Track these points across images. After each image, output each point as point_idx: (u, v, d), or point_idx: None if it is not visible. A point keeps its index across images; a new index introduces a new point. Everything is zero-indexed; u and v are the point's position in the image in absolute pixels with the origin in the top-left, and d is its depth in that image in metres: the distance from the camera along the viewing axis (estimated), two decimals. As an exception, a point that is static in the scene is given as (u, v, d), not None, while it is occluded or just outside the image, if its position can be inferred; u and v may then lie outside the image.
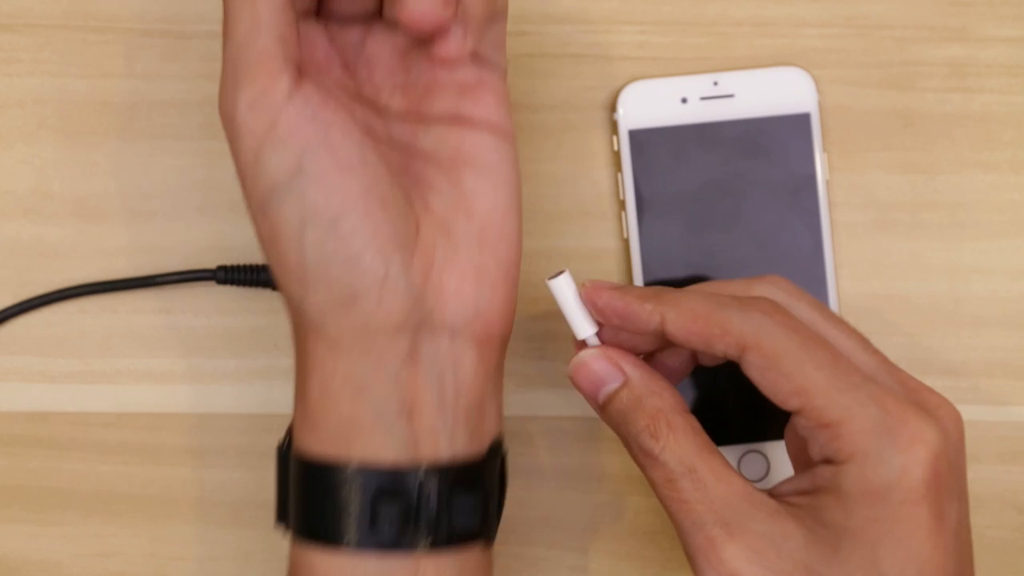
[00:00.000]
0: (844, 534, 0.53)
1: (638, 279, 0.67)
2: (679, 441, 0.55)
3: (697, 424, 0.56)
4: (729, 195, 0.68)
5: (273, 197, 0.54)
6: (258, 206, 0.55)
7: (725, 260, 0.67)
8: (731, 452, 0.67)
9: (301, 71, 0.55)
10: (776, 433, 0.67)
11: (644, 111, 0.68)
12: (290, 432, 0.59)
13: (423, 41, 0.57)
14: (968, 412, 0.68)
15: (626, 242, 0.68)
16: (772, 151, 0.67)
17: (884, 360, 0.57)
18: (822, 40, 0.69)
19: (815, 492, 0.54)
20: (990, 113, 0.69)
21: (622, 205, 0.68)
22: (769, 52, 0.69)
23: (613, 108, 0.68)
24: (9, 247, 0.69)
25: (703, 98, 0.68)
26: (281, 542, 0.68)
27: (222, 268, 0.68)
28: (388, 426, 0.55)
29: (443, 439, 0.56)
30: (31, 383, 0.69)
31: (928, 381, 0.68)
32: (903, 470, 0.52)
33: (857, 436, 0.53)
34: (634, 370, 0.57)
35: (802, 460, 0.58)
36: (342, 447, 0.55)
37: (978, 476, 0.68)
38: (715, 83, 0.68)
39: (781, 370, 0.54)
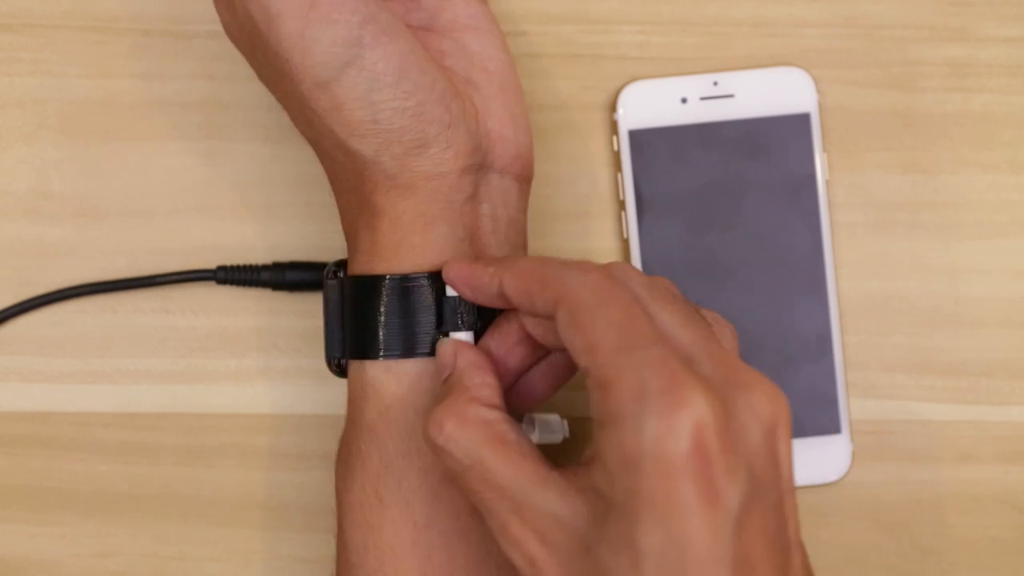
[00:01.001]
0: (610, 506, 0.50)
1: (638, 279, 0.67)
2: (467, 432, 0.54)
3: (501, 416, 0.55)
4: (729, 195, 0.68)
5: (331, 70, 0.57)
6: (313, 81, 0.57)
7: (725, 260, 0.67)
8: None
9: None
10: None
11: (644, 111, 0.68)
12: (336, 270, 0.62)
13: None
14: (968, 412, 0.68)
15: (626, 242, 0.68)
16: (772, 151, 0.67)
17: (707, 338, 0.53)
18: (822, 40, 0.69)
19: (591, 462, 0.52)
20: (990, 113, 0.69)
21: (622, 205, 0.68)
22: (769, 52, 0.69)
23: (613, 108, 0.68)
24: (9, 247, 0.69)
25: (703, 98, 0.68)
26: (281, 542, 0.68)
27: (222, 268, 0.68)
28: (453, 248, 0.59)
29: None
30: (31, 383, 0.69)
31: (928, 381, 0.68)
32: (657, 438, 0.49)
33: (622, 398, 0.50)
34: (464, 360, 0.57)
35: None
36: (408, 266, 0.59)
37: (978, 476, 0.68)
38: (715, 83, 0.68)
39: (578, 324, 0.52)
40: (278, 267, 0.67)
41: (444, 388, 0.57)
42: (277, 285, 0.68)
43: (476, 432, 0.54)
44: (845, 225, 0.69)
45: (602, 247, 0.68)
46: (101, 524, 0.69)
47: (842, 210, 0.69)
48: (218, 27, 0.68)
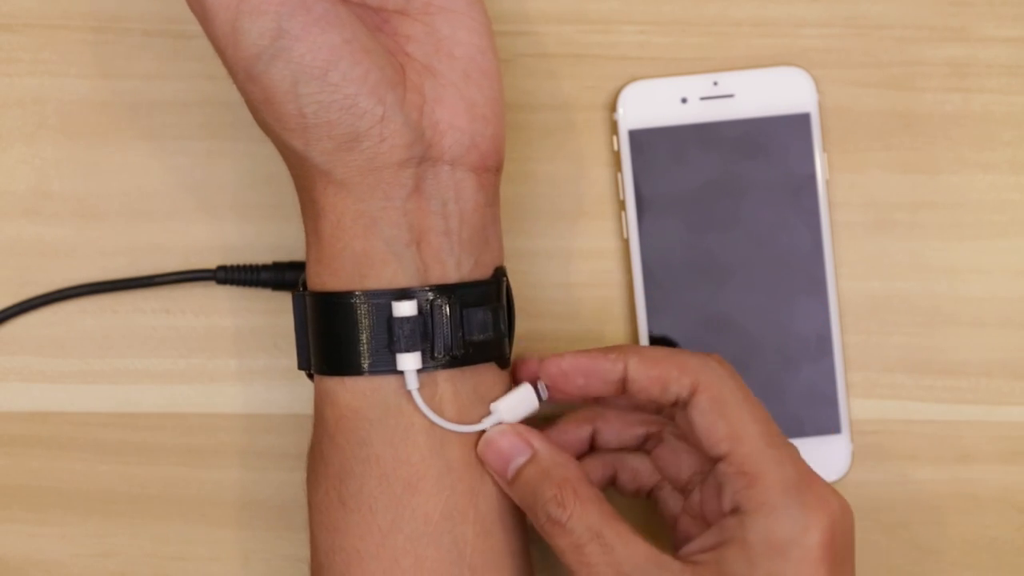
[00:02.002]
0: None
1: (638, 279, 0.67)
2: (586, 508, 0.58)
3: (601, 494, 0.59)
4: (729, 195, 0.67)
5: (259, 62, 0.56)
6: (245, 74, 0.57)
7: (725, 260, 0.67)
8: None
9: None
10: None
11: (644, 111, 0.68)
12: (303, 281, 0.62)
13: None
14: (968, 412, 0.68)
15: (626, 242, 0.68)
16: (772, 151, 0.67)
17: None
18: (822, 40, 0.69)
19: (721, 546, 0.57)
20: (990, 113, 0.69)
21: (622, 205, 0.68)
22: (769, 52, 0.69)
23: (613, 108, 0.68)
24: (9, 247, 0.69)
25: (703, 98, 0.68)
26: (281, 542, 0.68)
27: (222, 268, 0.68)
28: (399, 255, 0.58)
29: (451, 263, 0.59)
30: (31, 383, 0.69)
31: (928, 381, 0.68)
32: (805, 528, 0.57)
33: (771, 489, 0.57)
34: (541, 444, 0.60)
35: (710, 517, 0.60)
36: (356, 280, 0.59)
37: (978, 476, 0.68)
38: (715, 83, 0.68)
39: (723, 413, 0.58)
40: (278, 267, 0.67)
41: (535, 469, 0.59)
42: (277, 285, 0.68)
43: (594, 508, 0.58)
44: (845, 225, 0.69)
45: (602, 247, 0.68)
46: (101, 524, 0.69)
47: (842, 210, 0.69)
48: (218, 27, 0.69)
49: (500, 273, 0.61)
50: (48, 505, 0.68)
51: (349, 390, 0.59)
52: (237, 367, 0.69)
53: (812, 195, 0.68)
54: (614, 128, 0.68)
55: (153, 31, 0.69)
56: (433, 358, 0.58)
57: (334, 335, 0.59)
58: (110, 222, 0.69)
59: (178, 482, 0.69)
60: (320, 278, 0.59)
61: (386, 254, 0.58)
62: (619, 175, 0.68)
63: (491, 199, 0.61)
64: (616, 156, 0.68)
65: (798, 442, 0.67)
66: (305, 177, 0.59)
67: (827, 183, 0.68)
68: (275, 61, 0.56)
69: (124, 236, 0.69)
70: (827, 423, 0.67)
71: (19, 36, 0.69)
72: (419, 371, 0.58)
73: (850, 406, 0.68)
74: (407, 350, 0.58)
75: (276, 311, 0.69)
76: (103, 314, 0.69)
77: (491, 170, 0.60)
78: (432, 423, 0.59)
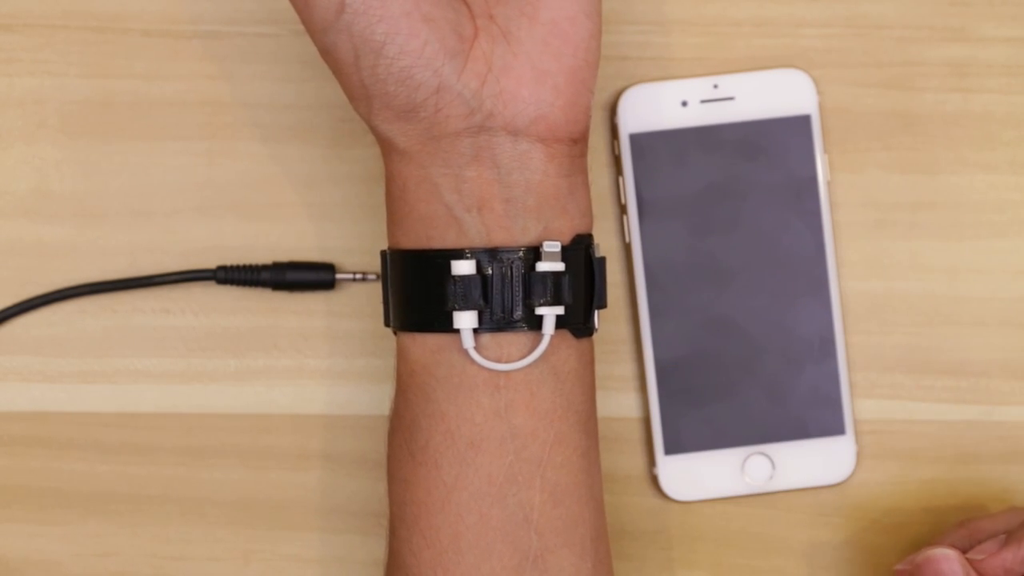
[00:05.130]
0: None
1: (641, 283, 0.67)
2: None
3: None
4: (731, 198, 0.67)
5: (327, 35, 0.57)
6: (319, 45, 0.58)
7: (728, 263, 0.67)
8: (735, 454, 0.67)
9: None
10: (780, 434, 0.67)
11: (644, 115, 0.68)
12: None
13: None
14: (968, 412, 0.68)
15: (628, 246, 0.68)
16: (773, 153, 0.67)
17: None
18: (822, 40, 0.69)
19: None
20: (990, 113, 0.69)
21: (623, 209, 0.68)
22: (769, 52, 0.69)
23: (613, 112, 0.68)
24: (9, 247, 0.69)
25: (703, 101, 0.68)
26: (281, 542, 0.68)
27: (222, 268, 0.68)
28: (460, 219, 0.59)
29: (516, 228, 0.59)
30: (31, 383, 0.69)
31: (928, 381, 0.68)
32: None
33: None
34: None
35: None
36: (423, 241, 0.59)
37: (978, 476, 0.69)
38: (715, 86, 0.68)
39: None
40: (278, 267, 0.68)
41: None
42: (277, 285, 0.68)
43: None
44: (845, 225, 0.69)
45: (603, 247, 0.68)
46: (101, 524, 0.69)
47: (842, 210, 0.69)
48: (218, 27, 0.69)
49: (580, 241, 0.60)
50: (48, 505, 0.68)
51: (419, 346, 0.59)
52: (237, 367, 0.69)
53: (813, 197, 0.68)
54: (615, 132, 0.68)
55: (153, 31, 0.69)
56: (492, 319, 0.59)
57: (402, 292, 0.60)
58: (110, 222, 0.69)
59: (178, 482, 0.69)
60: (395, 237, 0.60)
61: (448, 217, 0.59)
62: (620, 179, 0.68)
63: (567, 169, 0.60)
64: (617, 160, 0.68)
65: (803, 444, 0.67)
66: (378, 141, 0.60)
67: (828, 184, 0.68)
68: (340, 34, 0.57)
69: (124, 236, 0.69)
70: (831, 424, 0.68)
71: (19, 36, 0.69)
72: (479, 331, 0.58)
73: (854, 407, 0.68)
74: (463, 308, 0.58)
75: (276, 311, 0.69)
76: (103, 314, 0.69)
77: (563, 141, 0.59)
78: (497, 386, 0.59)
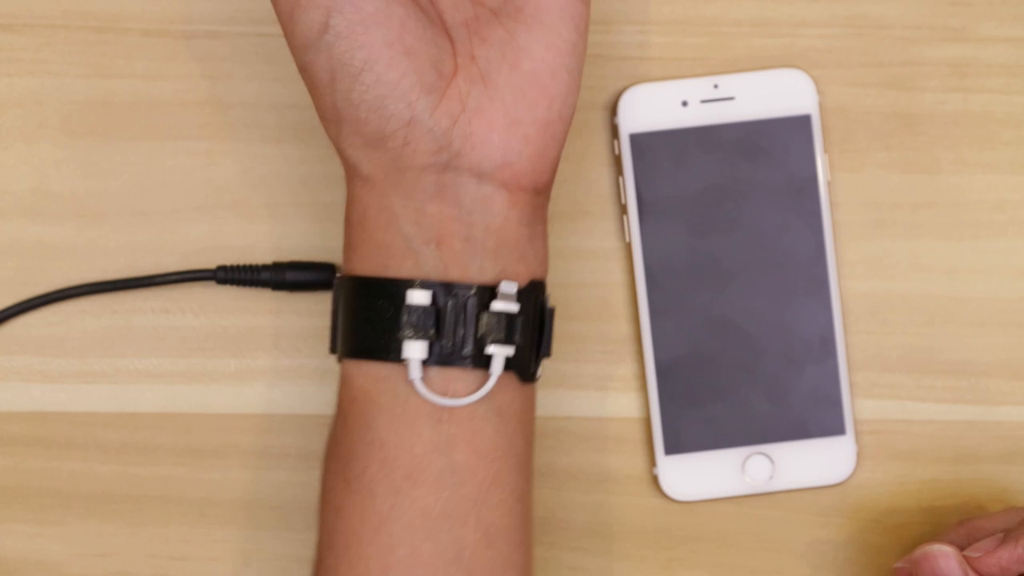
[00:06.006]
0: None
1: (641, 283, 0.67)
2: None
3: None
4: (731, 198, 0.68)
5: (307, 52, 0.58)
6: (298, 61, 0.59)
7: (728, 263, 0.67)
8: (735, 454, 0.67)
9: None
10: (781, 434, 0.67)
11: (644, 115, 0.68)
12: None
13: None
14: (968, 412, 0.68)
15: (628, 246, 0.68)
16: (773, 153, 0.67)
17: None
18: (822, 40, 0.69)
19: None
20: (990, 113, 0.69)
21: (624, 209, 0.68)
22: (769, 52, 0.69)
23: (613, 112, 0.68)
24: (9, 247, 0.69)
25: (703, 101, 0.68)
26: (281, 542, 0.68)
27: (222, 268, 0.68)
28: (418, 251, 0.59)
29: (473, 268, 0.59)
30: (31, 383, 0.69)
31: (928, 381, 0.68)
32: None
33: None
34: None
35: None
36: (379, 269, 0.59)
37: (978, 476, 0.69)
38: (715, 86, 0.68)
39: None
40: (278, 267, 0.68)
41: None
42: (277, 285, 0.68)
43: None
44: (845, 225, 0.69)
45: (602, 247, 0.68)
46: (101, 524, 0.69)
47: (842, 210, 0.69)
48: (218, 27, 0.69)
49: (535, 287, 0.60)
50: (48, 505, 0.68)
51: (364, 373, 0.59)
52: (237, 367, 0.69)
53: (814, 197, 0.68)
54: (615, 132, 0.68)
55: (153, 31, 0.69)
56: (441, 352, 0.58)
57: (353, 318, 0.60)
58: (110, 222, 0.69)
59: (178, 482, 0.69)
60: (350, 263, 0.60)
61: (406, 248, 0.59)
62: (620, 179, 0.68)
63: (529, 218, 0.60)
64: (617, 160, 0.68)
65: (803, 444, 0.67)
66: (344, 166, 0.60)
67: (828, 184, 0.68)
68: (319, 54, 0.57)
69: (124, 236, 0.69)
70: (832, 425, 0.68)
71: (19, 36, 0.69)
72: (427, 363, 0.58)
73: (854, 407, 0.68)
74: (414, 338, 0.58)
75: (276, 311, 0.69)
76: (103, 314, 0.69)
77: (527, 190, 0.60)
78: (440, 420, 0.58)
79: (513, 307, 0.59)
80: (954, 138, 0.69)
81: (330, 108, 0.58)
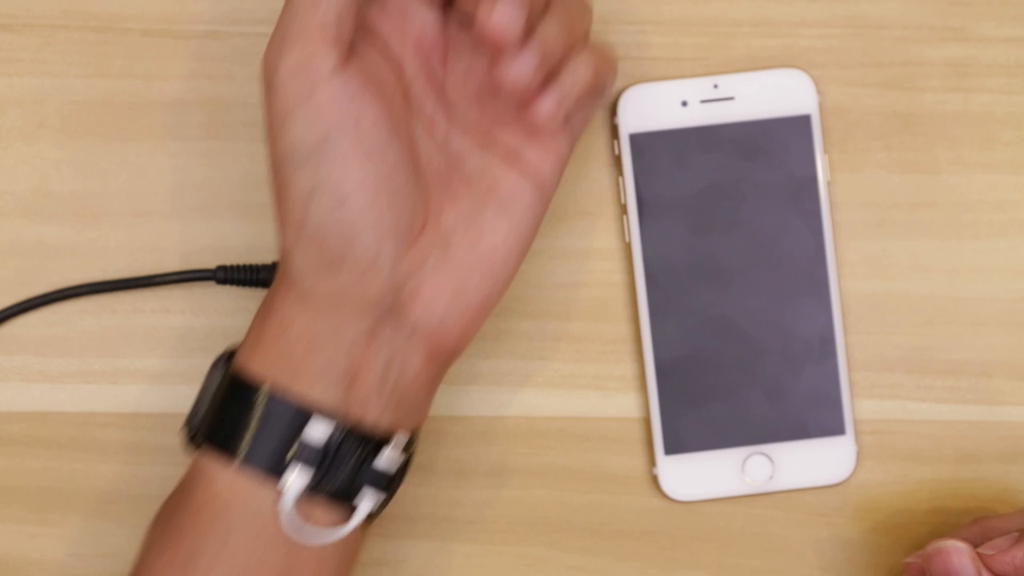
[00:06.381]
0: None
1: (641, 283, 0.67)
2: None
3: None
4: (731, 198, 0.68)
5: (292, 159, 0.57)
6: (276, 162, 0.58)
7: (727, 263, 0.67)
8: (735, 454, 0.67)
9: (352, 50, 0.58)
10: (781, 434, 0.67)
11: (644, 115, 0.68)
12: (229, 353, 0.62)
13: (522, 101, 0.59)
14: (968, 412, 0.68)
15: (628, 246, 0.68)
16: (773, 153, 0.67)
17: None
18: (822, 40, 0.69)
19: None
20: (990, 113, 0.69)
21: (624, 209, 0.68)
22: (769, 52, 0.69)
23: (613, 112, 0.68)
24: (9, 247, 0.69)
25: (703, 101, 0.68)
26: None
27: (222, 268, 0.68)
28: (329, 381, 0.58)
29: (372, 412, 0.59)
30: (31, 383, 0.69)
31: (928, 381, 0.68)
32: None
33: None
34: None
35: None
36: (286, 379, 0.58)
37: (978, 476, 0.69)
38: (715, 86, 0.68)
39: None
40: (278, 267, 0.67)
41: None
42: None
43: None
44: (845, 225, 0.69)
45: (602, 247, 0.68)
46: (101, 524, 0.69)
47: (842, 210, 0.69)
48: (218, 27, 0.69)
49: (413, 438, 0.61)
50: (48, 505, 0.68)
51: (230, 480, 0.58)
52: (237, 367, 0.69)
53: (813, 197, 0.68)
54: (615, 132, 0.68)
55: (153, 31, 0.69)
56: (316, 483, 0.58)
57: (242, 418, 0.59)
58: (110, 222, 0.69)
59: (178, 482, 0.69)
60: (250, 362, 0.59)
61: (316, 376, 0.58)
62: (620, 179, 0.68)
63: (433, 380, 0.61)
64: (617, 160, 0.68)
65: (803, 444, 0.67)
66: (280, 265, 0.60)
67: (828, 184, 0.68)
68: (304, 169, 0.57)
69: (124, 236, 0.69)
70: (832, 425, 0.68)
71: (19, 36, 0.69)
72: (303, 490, 0.58)
73: (854, 407, 0.68)
74: (299, 466, 0.58)
75: (276, 311, 0.69)
76: (103, 314, 0.69)
77: (444, 355, 0.61)
78: (293, 546, 0.58)
79: (399, 458, 0.60)
80: (954, 138, 0.69)
81: (296, 221, 0.58)
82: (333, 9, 0.57)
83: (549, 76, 0.58)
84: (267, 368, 0.59)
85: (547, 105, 0.58)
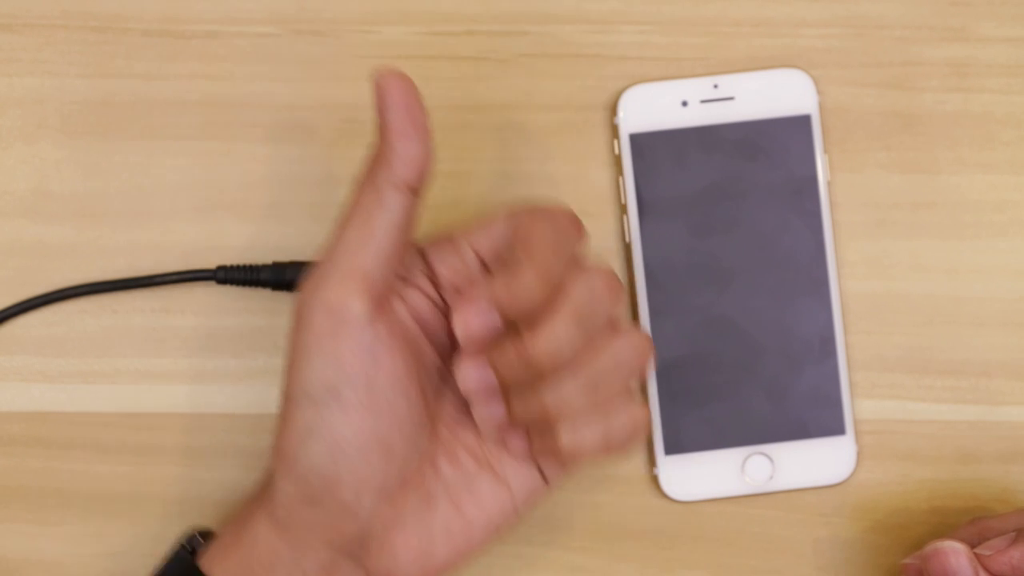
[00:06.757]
0: None
1: (641, 283, 0.67)
2: None
3: None
4: (731, 198, 0.68)
5: (301, 395, 0.57)
6: (286, 390, 0.58)
7: (728, 263, 0.67)
8: (735, 454, 0.67)
9: (384, 302, 0.58)
10: (781, 434, 0.67)
11: (644, 115, 0.68)
12: (201, 536, 0.63)
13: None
14: (968, 412, 0.68)
15: (628, 246, 0.68)
16: (773, 153, 0.67)
17: None
18: (822, 40, 0.69)
19: None
20: (990, 113, 0.69)
21: (624, 209, 0.68)
22: (769, 52, 0.69)
23: (613, 112, 0.68)
24: (9, 247, 0.69)
25: (703, 101, 0.68)
26: (281, 542, 0.68)
27: (222, 268, 0.68)
28: None
29: None
30: (31, 383, 0.69)
31: (928, 381, 0.68)
32: None
33: None
34: None
35: None
36: None
37: (978, 476, 0.69)
38: (715, 86, 0.68)
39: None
40: (278, 267, 0.67)
41: None
42: (277, 285, 0.68)
43: None
44: (845, 225, 0.69)
45: (602, 247, 0.68)
46: (101, 524, 0.69)
47: (842, 210, 0.69)
48: (218, 27, 0.69)
49: None
50: (48, 505, 0.68)
51: None
52: (237, 367, 0.69)
53: (814, 197, 0.68)
54: (615, 132, 0.68)
55: (153, 31, 0.69)
56: None
57: None
58: (110, 222, 0.69)
59: (178, 482, 0.69)
60: (214, 565, 0.60)
61: None
62: (620, 179, 0.68)
63: None
64: (617, 160, 0.68)
65: (803, 444, 0.67)
66: (266, 477, 0.60)
67: (828, 184, 0.68)
68: (307, 405, 0.57)
69: (124, 236, 0.69)
70: (832, 425, 0.68)
71: (19, 36, 0.69)
72: None
73: (854, 407, 0.68)
74: None
75: (276, 311, 0.69)
76: (103, 314, 0.69)
77: None
78: None
79: None
80: (954, 138, 0.69)
81: (288, 453, 0.58)
82: (376, 259, 0.57)
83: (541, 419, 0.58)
84: (230, 569, 0.60)
85: (518, 447, 0.60)
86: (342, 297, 0.57)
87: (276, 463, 0.59)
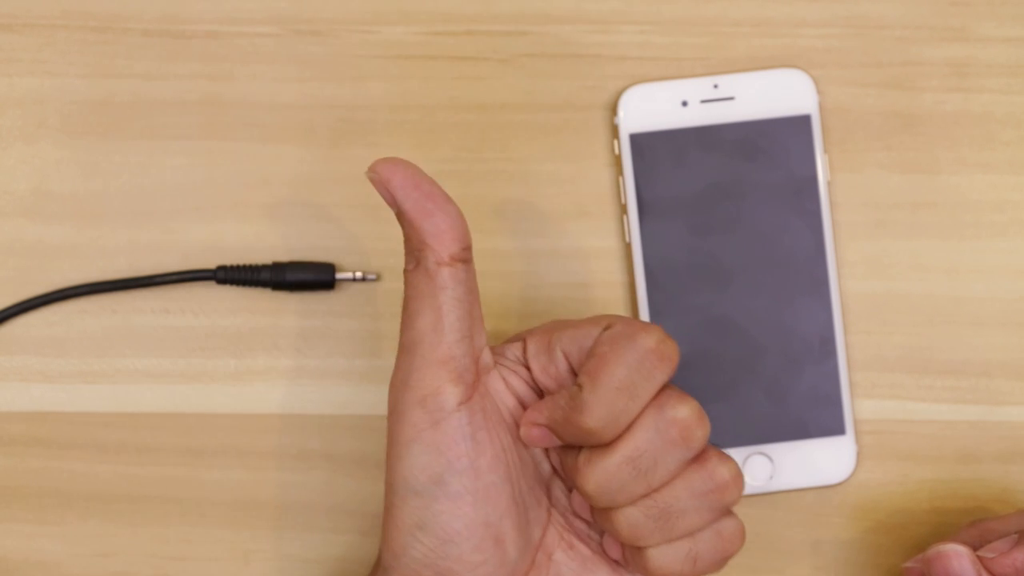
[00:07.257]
0: None
1: (641, 283, 0.67)
2: None
3: None
4: (731, 198, 0.68)
5: (406, 489, 0.56)
6: (390, 484, 0.57)
7: (728, 263, 0.67)
8: (735, 454, 0.67)
9: (474, 387, 0.57)
10: (780, 434, 0.67)
11: (644, 115, 0.68)
12: None
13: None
14: (968, 412, 0.68)
15: (628, 246, 0.68)
16: (773, 153, 0.67)
17: None
18: (822, 40, 0.69)
19: None
20: (990, 113, 0.69)
21: (624, 209, 0.68)
22: (769, 52, 0.69)
23: (613, 112, 0.68)
24: (9, 247, 0.69)
25: (703, 101, 0.68)
26: (281, 542, 0.68)
27: (222, 268, 0.68)
28: None
29: None
30: (31, 383, 0.69)
31: (928, 381, 0.68)
32: None
33: None
34: None
35: None
36: None
37: (979, 476, 0.69)
38: (715, 86, 0.68)
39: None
40: (278, 267, 0.67)
41: None
42: (277, 285, 0.68)
43: None
44: (845, 225, 0.69)
45: (602, 247, 0.68)
46: (101, 524, 0.69)
47: (842, 210, 0.69)
48: (218, 27, 0.69)
49: None
50: (48, 505, 0.68)
51: None
52: (237, 367, 0.69)
53: (814, 197, 0.68)
54: (615, 132, 0.68)
55: (153, 31, 0.69)
56: None
57: None
58: (110, 222, 0.69)
59: (178, 482, 0.69)
60: None
61: None
62: (620, 179, 0.68)
63: None
64: (617, 160, 0.68)
65: (803, 444, 0.67)
66: (385, 546, 0.59)
67: (828, 184, 0.68)
68: (417, 500, 0.56)
69: (124, 236, 0.69)
70: (832, 424, 0.67)
71: (19, 36, 0.69)
72: None
73: (854, 407, 0.68)
74: None
75: (276, 311, 0.69)
76: (103, 314, 0.69)
77: None
78: None
79: None
80: (954, 138, 0.69)
81: (397, 547, 0.57)
82: (454, 340, 0.56)
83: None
84: None
85: (616, 555, 0.59)
86: (434, 388, 0.56)
87: (388, 559, 0.58)
